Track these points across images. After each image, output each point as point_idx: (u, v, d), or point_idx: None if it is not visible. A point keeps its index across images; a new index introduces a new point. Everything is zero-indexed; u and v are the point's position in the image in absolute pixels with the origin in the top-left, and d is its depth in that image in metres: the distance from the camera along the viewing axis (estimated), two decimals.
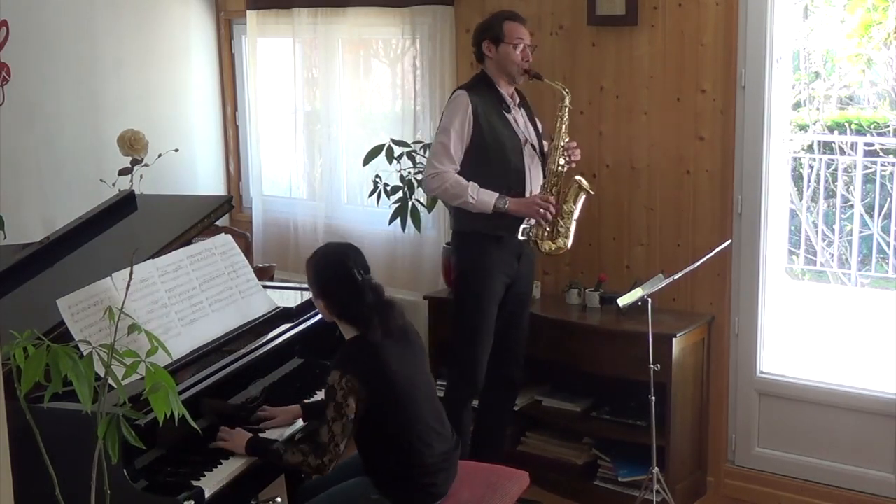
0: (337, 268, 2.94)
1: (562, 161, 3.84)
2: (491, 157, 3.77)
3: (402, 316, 3.00)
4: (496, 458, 3.69)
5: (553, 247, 3.87)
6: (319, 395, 3.31)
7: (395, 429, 2.88)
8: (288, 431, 3.08)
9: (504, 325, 3.93)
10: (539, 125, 3.99)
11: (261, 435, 2.97)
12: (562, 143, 3.84)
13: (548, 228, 3.84)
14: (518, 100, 3.94)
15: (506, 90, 3.88)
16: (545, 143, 3.95)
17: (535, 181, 3.86)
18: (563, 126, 3.85)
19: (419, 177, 4.32)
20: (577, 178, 3.86)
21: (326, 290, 2.94)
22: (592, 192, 3.90)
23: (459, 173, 3.76)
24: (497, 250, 3.81)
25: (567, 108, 3.86)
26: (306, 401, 3.23)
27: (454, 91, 3.92)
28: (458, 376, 3.92)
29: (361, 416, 2.83)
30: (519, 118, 3.90)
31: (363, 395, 2.80)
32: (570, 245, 3.89)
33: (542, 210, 3.76)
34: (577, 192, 3.85)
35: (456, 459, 3.05)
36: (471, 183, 3.73)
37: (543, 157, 3.90)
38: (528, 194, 3.83)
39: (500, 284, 3.86)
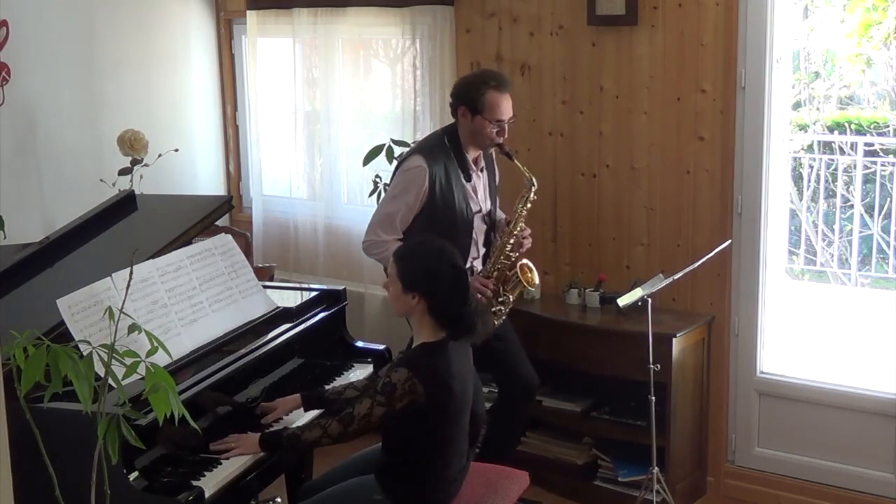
0: (435, 258, 2.87)
1: (511, 248, 3.76)
2: (438, 228, 3.64)
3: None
4: (504, 460, 3.67)
5: None
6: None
7: (433, 442, 2.84)
8: (294, 424, 3.07)
9: (493, 359, 3.86)
10: (497, 183, 3.92)
11: (269, 430, 2.95)
12: (517, 231, 3.76)
13: None
14: (482, 163, 3.86)
15: (471, 154, 3.79)
16: (497, 205, 3.89)
17: (480, 249, 3.83)
18: (523, 213, 3.76)
19: None
20: (523, 263, 3.78)
21: (433, 285, 2.84)
22: (532, 289, 3.86)
23: (406, 232, 3.70)
24: None
25: (531, 199, 3.76)
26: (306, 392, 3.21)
27: (412, 153, 3.80)
28: None
29: (405, 417, 2.79)
30: (479, 185, 3.83)
31: (420, 403, 2.76)
32: (497, 325, 3.76)
33: (477, 295, 3.65)
34: (516, 283, 3.77)
35: (467, 471, 3.04)
36: None
37: (493, 223, 3.84)
38: (467, 263, 3.74)
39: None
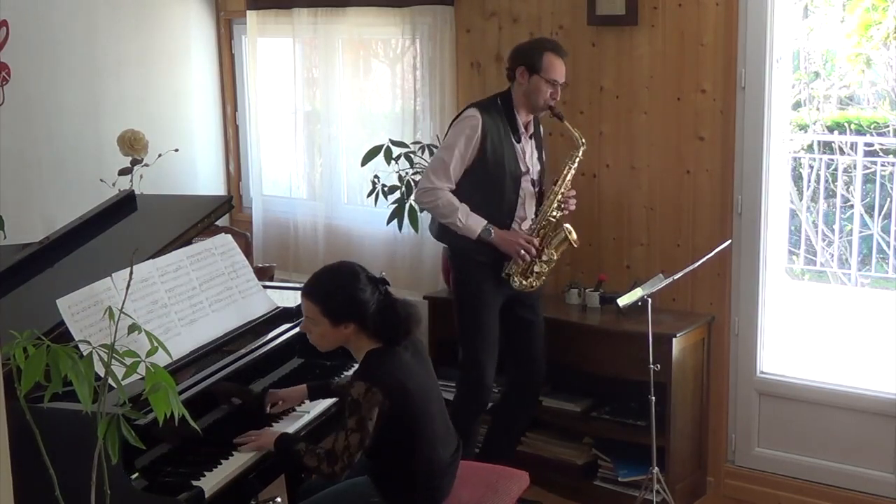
0: (355, 282, 2.85)
1: (556, 209, 3.85)
2: (487, 184, 3.78)
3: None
4: (506, 459, 3.68)
5: (523, 284, 3.85)
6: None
7: (407, 438, 2.85)
8: (303, 420, 3.10)
9: (516, 329, 3.96)
10: (545, 155, 4.00)
11: (286, 432, 2.97)
12: (562, 191, 3.84)
13: (523, 266, 3.83)
14: (532, 130, 3.93)
15: (523, 118, 3.87)
16: (545, 178, 3.94)
17: (527, 212, 3.88)
18: (570, 174, 3.85)
19: (417, 178, 4.32)
20: (567, 226, 3.85)
21: (351, 307, 2.82)
22: (576, 245, 3.89)
23: (454, 191, 3.78)
24: (490, 261, 3.83)
25: (578, 159, 3.85)
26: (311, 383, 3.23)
27: (468, 107, 3.89)
28: (465, 382, 3.93)
29: (380, 428, 2.79)
30: (528, 149, 3.90)
31: (386, 408, 2.76)
32: (537, 286, 3.89)
33: (522, 251, 3.77)
34: (561, 241, 3.85)
35: (458, 463, 3.04)
36: (462, 206, 3.75)
37: (541, 192, 3.91)
38: (513, 225, 3.84)
39: (498, 290, 3.87)
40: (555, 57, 3.79)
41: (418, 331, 2.96)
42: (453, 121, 3.91)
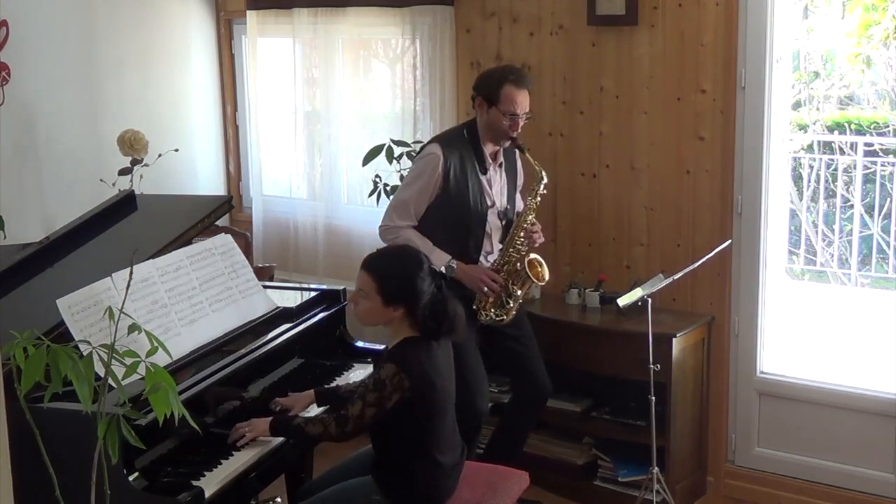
0: (417, 270, 2.87)
1: (520, 241, 3.79)
2: (452, 219, 3.75)
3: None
4: (507, 462, 3.66)
5: (488, 318, 3.79)
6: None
7: (417, 434, 2.86)
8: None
9: (506, 359, 3.94)
10: (521, 185, 3.96)
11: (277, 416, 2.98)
12: (526, 224, 3.79)
13: (490, 300, 3.77)
14: (502, 160, 3.88)
15: (489, 149, 3.83)
16: (518, 205, 3.90)
17: (494, 246, 3.84)
18: (533, 208, 3.80)
19: None
20: (533, 258, 3.79)
21: (407, 292, 2.84)
22: (541, 283, 3.83)
23: (420, 220, 3.75)
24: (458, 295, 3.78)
25: (540, 193, 3.79)
26: (325, 386, 3.23)
27: (430, 141, 3.86)
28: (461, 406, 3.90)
29: (393, 414, 2.81)
30: (496, 180, 3.86)
31: (408, 396, 2.78)
32: (507, 320, 3.81)
33: (485, 288, 3.72)
34: (525, 278, 3.78)
35: (462, 466, 3.04)
36: (423, 241, 3.71)
37: (509, 223, 3.86)
38: (480, 259, 3.80)
39: (471, 326, 3.69)
40: (514, 88, 3.71)
41: (459, 335, 2.96)
42: (417, 153, 3.87)
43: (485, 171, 3.81)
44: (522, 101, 3.73)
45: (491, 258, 3.85)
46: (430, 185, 3.73)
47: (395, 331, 2.91)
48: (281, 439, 2.93)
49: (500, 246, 3.86)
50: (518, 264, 3.78)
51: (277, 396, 3.16)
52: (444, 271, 3.64)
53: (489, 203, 3.82)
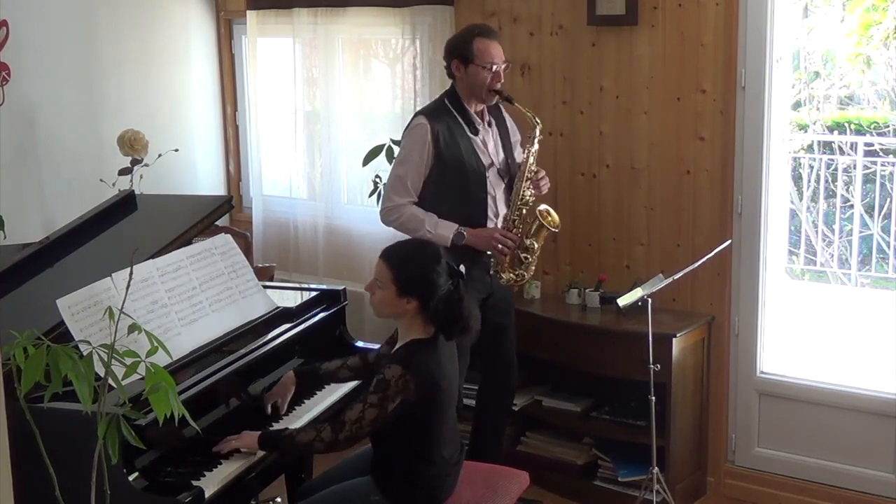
0: (434, 264, 2.86)
1: (528, 192, 3.77)
2: (451, 187, 3.72)
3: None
4: (495, 459, 3.69)
5: (513, 277, 3.79)
6: (319, 395, 3.32)
7: (419, 434, 2.86)
8: (304, 419, 3.13)
9: (490, 334, 3.89)
10: (516, 141, 3.94)
11: (266, 429, 2.96)
12: (529, 174, 3.76)
13: (507, 260, 3.76)
14: (489, 119, 3.86)
15: (475, 109, 3.81)
16: (518, 162, 3.86)
17: (500, 207, 3.82)
18: (532, 156, 3.77)
19: None
20: (542, 208, 3.77)
21: (421, 285, 2.83)
22: (555, 230, 3.83)
23: (421, 199, 3.73)
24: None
25: (537, 139, 3.77)
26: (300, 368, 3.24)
27: (415, 115, 3.84)
28: None
29: (395, 416, 2.80)
30: (489, 139, 3.83)
31: (411, 399, 2.77)
32: (528, 277, 3.83)
33: (499, 246, 3.70)
34: (538, 228, 3.78)
35: (461, 465, 3.04)
36: (428, 215, 3.70)
37: (511, 180, 3.83)
38: (489, 223, 3.77)
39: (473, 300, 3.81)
40: (486, 40, 3.72)
41: (471, 336, 2.95)
42: (404, 132, 3.86)
43: (476, 132, 3.78)
44: (497, 52, 3.73)
45: (498, 222, 3.82)
46: (423, 156, 3.70)
47: (407, 326, 2.90)
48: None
49: (506, 211, 3.82)
50: (530, 218, 3.77)
51: None
52: (454, 241, 3.65)
53: (486, 163, 3.78)
